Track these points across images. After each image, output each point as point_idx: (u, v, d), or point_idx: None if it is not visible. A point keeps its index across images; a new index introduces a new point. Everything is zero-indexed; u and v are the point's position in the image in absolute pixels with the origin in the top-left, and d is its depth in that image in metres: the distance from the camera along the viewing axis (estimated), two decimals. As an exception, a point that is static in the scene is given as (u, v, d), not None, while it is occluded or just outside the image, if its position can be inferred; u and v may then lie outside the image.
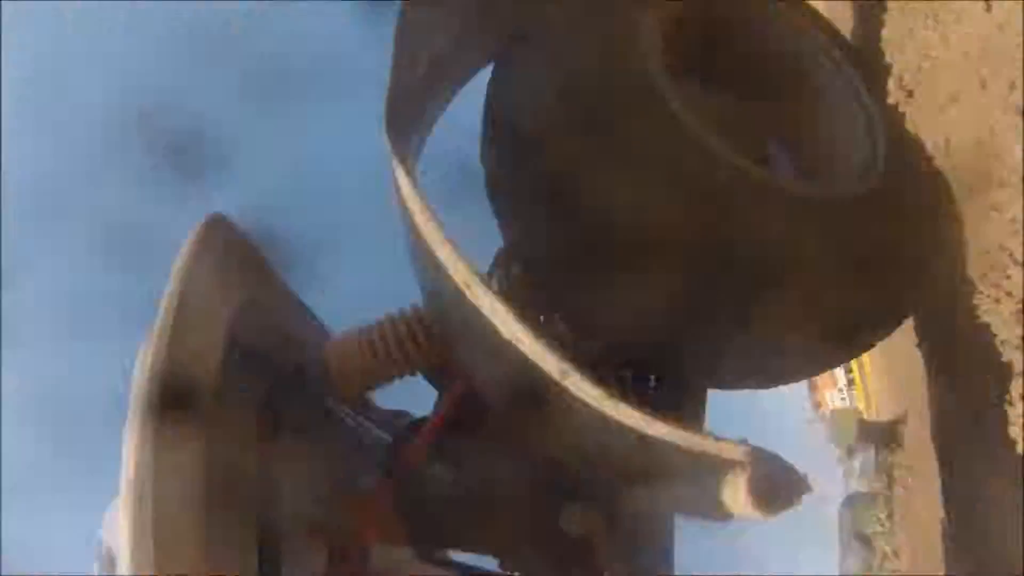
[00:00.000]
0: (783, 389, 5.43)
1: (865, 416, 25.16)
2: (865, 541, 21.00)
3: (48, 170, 22.55)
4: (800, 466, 3.16)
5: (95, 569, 4.32)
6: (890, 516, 19.40)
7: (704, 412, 4.81)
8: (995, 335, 4.83)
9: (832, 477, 22.74)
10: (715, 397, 4.88)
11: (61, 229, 21.58)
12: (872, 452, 22.10)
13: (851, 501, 22.53)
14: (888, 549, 19.37)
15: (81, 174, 22.14)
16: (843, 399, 27.92)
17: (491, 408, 4.22)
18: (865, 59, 5.70)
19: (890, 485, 19.45)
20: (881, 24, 6.11)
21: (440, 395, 4.64)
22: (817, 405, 29.17)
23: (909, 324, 5.70)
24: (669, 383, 4.68)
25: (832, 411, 27.86)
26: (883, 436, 21.01)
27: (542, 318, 4.49)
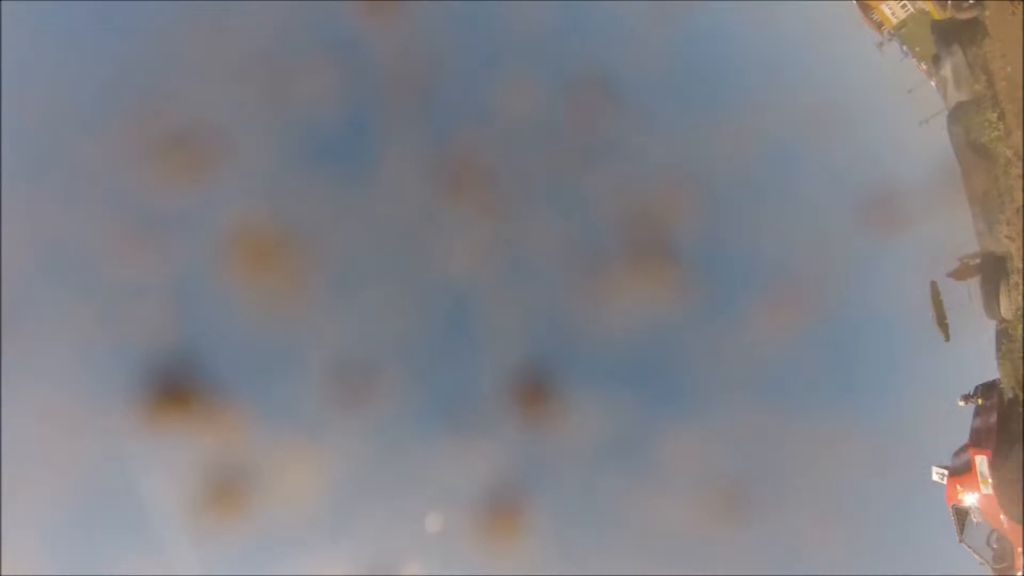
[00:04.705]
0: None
1: (938, 15, 21.96)
2: (984, 153, 19.40)
3: (48, 168, 22.62)
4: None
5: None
6: (1001, 116, 18.31)
7: None
8: None
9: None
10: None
11: (62, 227, 21.61)
12: (959, 52, 19.88)
13: (957, 115, 20.40)
14: (1009, 152, 18.37)
15: (81, 170, 22.20)
16: (906, 6, 24.21)
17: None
18: None
19: (991, 82, 18.34)
20: None
21: None
22: (879, 25, 25.46)
23: None
24: None
25: (899, 23, 24.52)
26: (966, 29, 19.39)
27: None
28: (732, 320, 22.49)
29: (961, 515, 20.68)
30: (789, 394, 22.70)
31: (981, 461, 20.15)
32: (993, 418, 20.73)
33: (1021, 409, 20.35)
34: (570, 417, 21.61)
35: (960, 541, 20.73)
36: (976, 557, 20.34)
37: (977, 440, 20.87)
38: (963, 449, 21.22)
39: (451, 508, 22.01)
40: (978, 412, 21.48)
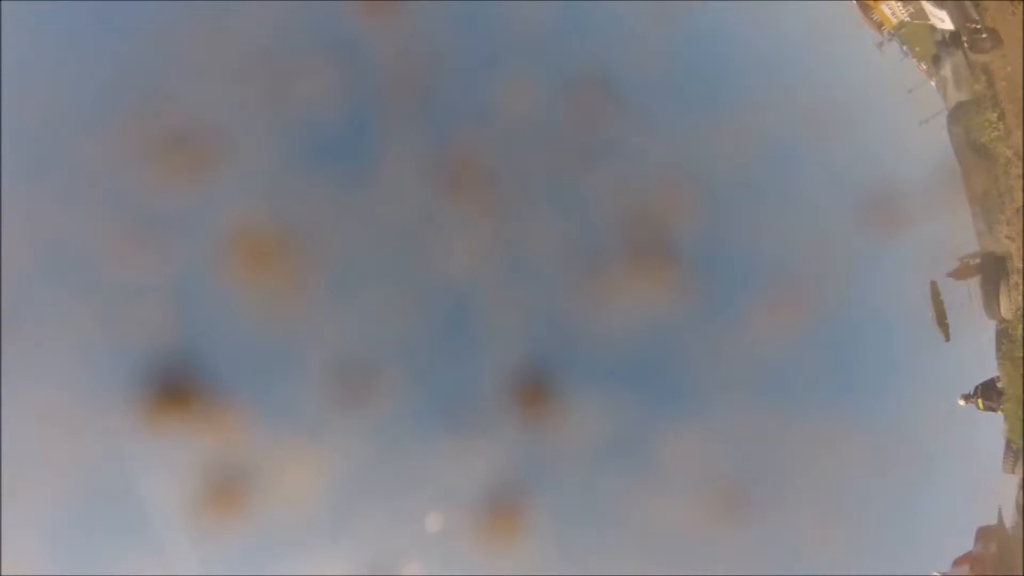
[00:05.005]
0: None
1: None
2: (984, 153, 19.69)
3: (48, 168, 22.63)
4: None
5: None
6: (1001, 116, 18.56)
7: None
8: None
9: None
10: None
11: (62, 227, 21.64)
12: (960, 53, 20.23)
13: (957, 115, 20.80)
14: (1009, 152, 18.58)
15: (81, 170, 22.21)
16: (906, 6, 24.49)
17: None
18: None
19: (991, 82, 18.65)
20: None
21: None
22: (879, 25, 25.57)
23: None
24: None
25: (899, 23, 24.65)
26: (967, 28, 19.57)
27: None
28: (732, 320, 22.47)
29: None
30: (789, 394, 22.70)
31: None
32: (993, 547, 21.88)
33: (1021, 543, 21.21)
34: (570, 417, 21.60)
35: None
36: None
37: (979, 567, 22.28)
38: (963, 559, 22.64)
39: (451, 508, 22.01)
40: (979, 537, 22.68)
